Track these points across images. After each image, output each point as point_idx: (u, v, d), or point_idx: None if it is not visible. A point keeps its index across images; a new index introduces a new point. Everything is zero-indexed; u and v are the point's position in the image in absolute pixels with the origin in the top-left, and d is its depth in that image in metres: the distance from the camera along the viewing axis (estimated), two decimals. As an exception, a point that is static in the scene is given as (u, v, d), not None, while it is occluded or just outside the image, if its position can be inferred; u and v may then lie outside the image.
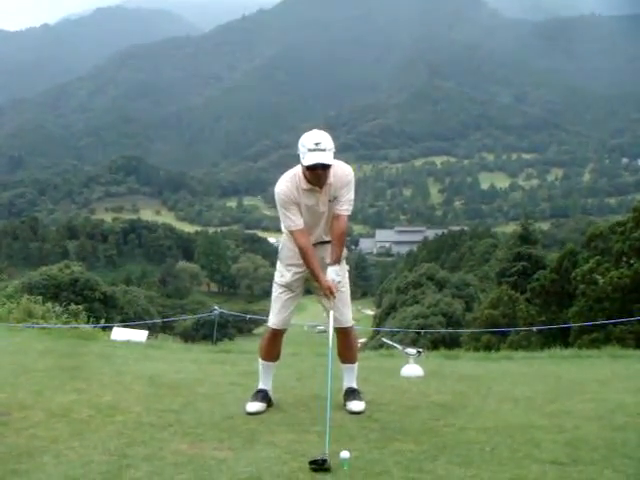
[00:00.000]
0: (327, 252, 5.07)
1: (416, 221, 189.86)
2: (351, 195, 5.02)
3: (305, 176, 4.89)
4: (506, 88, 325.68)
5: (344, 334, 5.23)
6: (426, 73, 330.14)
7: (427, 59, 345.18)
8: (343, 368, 5.34)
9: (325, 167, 4.79)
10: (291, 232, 4.96)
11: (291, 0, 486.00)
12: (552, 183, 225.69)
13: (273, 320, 5.20)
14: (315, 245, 5.05)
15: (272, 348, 5.28)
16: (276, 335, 5.25)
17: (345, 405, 5.20)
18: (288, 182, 4.96)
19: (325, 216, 5.03)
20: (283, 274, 5.17)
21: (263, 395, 5.20)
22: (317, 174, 4.81)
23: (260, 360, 5.31)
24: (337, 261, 5.02)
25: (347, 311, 5.24)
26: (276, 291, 5.20)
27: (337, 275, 4.97)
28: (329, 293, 4.88)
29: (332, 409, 4.62)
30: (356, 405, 5.15)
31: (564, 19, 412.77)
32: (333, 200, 4.99)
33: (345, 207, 5.01)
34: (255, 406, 5.08)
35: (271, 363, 5.30)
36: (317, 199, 4.95)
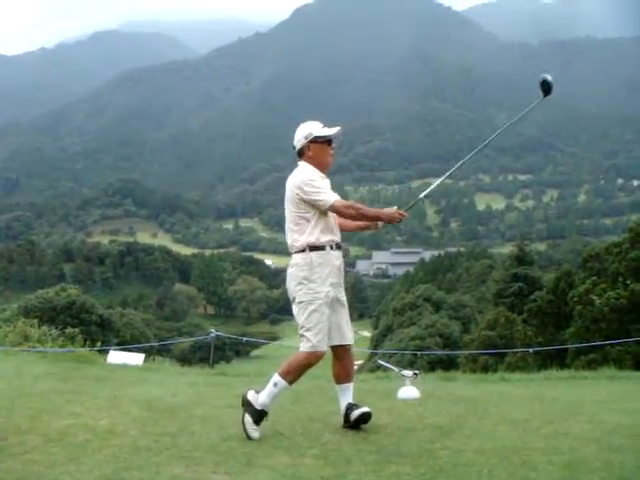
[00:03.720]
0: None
1: (412, 242, 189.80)
2: None
3: (318, 165, 5.03)
4: (501, 110, 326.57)
5: (349, 352, 5.12)
6: (422, 95, 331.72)
7: (423, 81, 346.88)
8: (343, 388, 5.12)
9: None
10: (333, 206, 4.89)
11: (287, 23, 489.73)
12: (548, 204, 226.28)
13: (323, 341, 4.90)
14: (339, 249, 5.07)
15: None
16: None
17: (351, 417, 5.03)
18: (312, 168, 5.04)
19: None
20: (322, 291, 4.90)
21: (264, 419, 5.00)
22: (331, 151, 5.10)
23: (285, 384, 4.97)
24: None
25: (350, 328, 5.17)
26: (320, 309, 4.89)
27: None
28: (400, 215, 5.14)
29: (328, 432, 4.61)
30: (362, 408, 5.04)
31: (559, 42, 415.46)
32: None
33: None
34: (255, 432, 4.92)
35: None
36: None
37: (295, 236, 4.98)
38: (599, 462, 4.42)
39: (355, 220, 5.14)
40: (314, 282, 4.90)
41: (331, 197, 4.89)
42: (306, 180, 4.92)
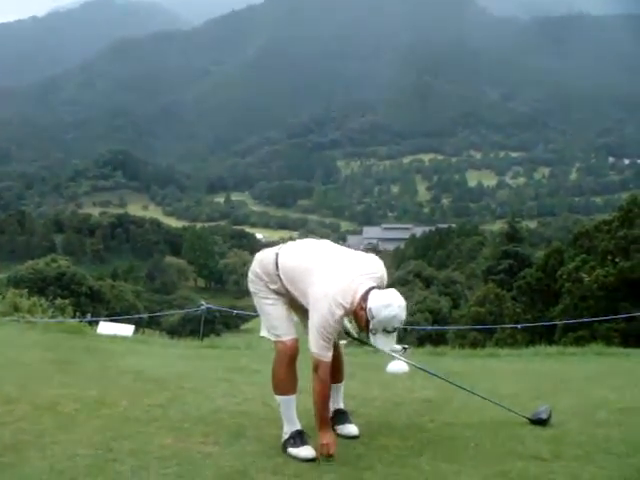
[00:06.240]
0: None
1: (404, 218, 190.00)
2: None
3: (355, 319, 4.20)
4: (494, 86, 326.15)
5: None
6: (415, 70, 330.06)
7: (416, 56, 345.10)
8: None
9: None
10: (320, 360, 4.19)
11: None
12: (539, 181, 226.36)
13: (284, 330, 4.37)
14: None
15: (292, 375, 4.43)
16: (294, 352, 4.39)
17: (335, 429, 4.53)
18: (346, 307, 4.11)
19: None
20: (271, 285, 4.42)
21: (305, 436, 4.30)
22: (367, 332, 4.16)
23: (280, 397, 4.42)
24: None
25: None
26: (268, 300, 4.43)
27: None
28: (326, 451, 4.11)
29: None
30: (353, 428, 4.55)
31: (553, 18, 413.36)
32: None
33: None
34: (308, 450, 4.16)
35: (294, 396, 4.43)
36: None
37: None
38: (584, 436, 4.47)
39: (315, 391, 4.27)
40: None
41: (325, 353, 4.20)
42: (335, 309, 4.09)
